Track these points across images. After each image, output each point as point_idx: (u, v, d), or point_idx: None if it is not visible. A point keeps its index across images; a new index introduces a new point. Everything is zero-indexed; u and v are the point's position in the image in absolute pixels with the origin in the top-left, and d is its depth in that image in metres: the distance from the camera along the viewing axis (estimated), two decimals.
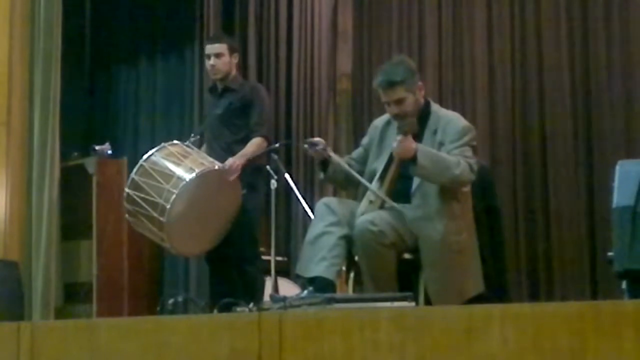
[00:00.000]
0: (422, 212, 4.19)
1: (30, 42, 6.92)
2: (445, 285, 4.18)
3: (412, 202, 4.22)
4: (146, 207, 5.03)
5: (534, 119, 6.38)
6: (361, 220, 4.15)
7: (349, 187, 4.77)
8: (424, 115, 4.35)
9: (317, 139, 4.54)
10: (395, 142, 4.18)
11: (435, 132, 4.31)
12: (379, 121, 4.55)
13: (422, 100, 4.38)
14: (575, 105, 6.25)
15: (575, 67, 6.29)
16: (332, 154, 4.46)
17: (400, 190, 4.25)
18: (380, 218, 4.13)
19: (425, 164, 4.11)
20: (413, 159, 4.11)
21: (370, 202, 4.31)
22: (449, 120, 4.37)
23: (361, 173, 4.43)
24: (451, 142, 4.25)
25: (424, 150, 4.16)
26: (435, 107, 4.43)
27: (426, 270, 4.18)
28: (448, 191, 4.22)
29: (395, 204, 4.21)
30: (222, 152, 5.41)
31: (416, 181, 4.24)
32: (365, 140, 4.59)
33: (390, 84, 4.27)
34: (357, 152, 4.60)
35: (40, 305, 6.59)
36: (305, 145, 4.46)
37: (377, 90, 4.40)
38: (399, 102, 4.28)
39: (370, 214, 4.20)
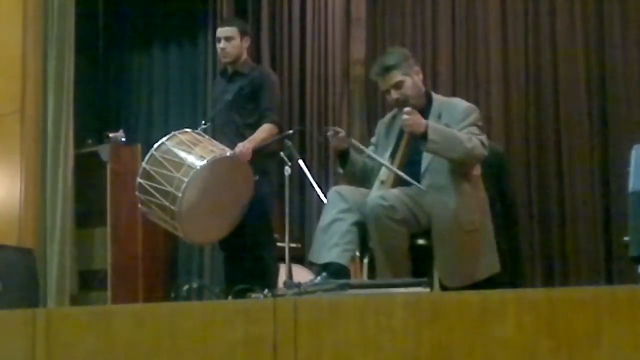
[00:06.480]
0: (433, 190, 4.17)
1: (44, 29, 6.93)
2: (455, 265, 4.15)
3: (422, 183, 4.20)
4: (158, 196, 5.02)
5: (549, 104, 6.34)
6: (372, 196, 4.16)
7: (366, 183, 4.75)
8: (426, 103, 4.39)
9: (338, 128, 4.54)
10: (404, 116, 4.17)
11: (439, 116, 4.34)
12: (385, 118, 4.61)
13: (421, 85, 4.43)
14: (590, 89, 6.21)
15: (590, 51, 6.25)
16: (352, 140, 4.51)
17: (410, 175, 4.24)
18: (392, 194, 4.13)
19: (436, 138, 4.10)
20: (423, 135, 4.11)
21: (382, 182, 4.32)
22: (451, 103, 4.43)
23: (372, 169, 4.47)
24: (457, 122, 4.27)
25: (434, 125, 4.18)
26: (436, 95, 4.48)
27: (436, 249, 4.14)
28: (458, 171, 4.21)
29: (409, 178, 4.20)
30: (234, 136, 5.39)
31: (425, 163, 4.24)
32: (373, 139, 4.65)
33: (385, 69, 4.35)
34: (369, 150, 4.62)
35: (55, 292, 6.62)
36: (329, 133, 4.43)
37: (376, 83, 4.45)
38: (397, 86, 4.34)
39: (382, 191, 4.20)
